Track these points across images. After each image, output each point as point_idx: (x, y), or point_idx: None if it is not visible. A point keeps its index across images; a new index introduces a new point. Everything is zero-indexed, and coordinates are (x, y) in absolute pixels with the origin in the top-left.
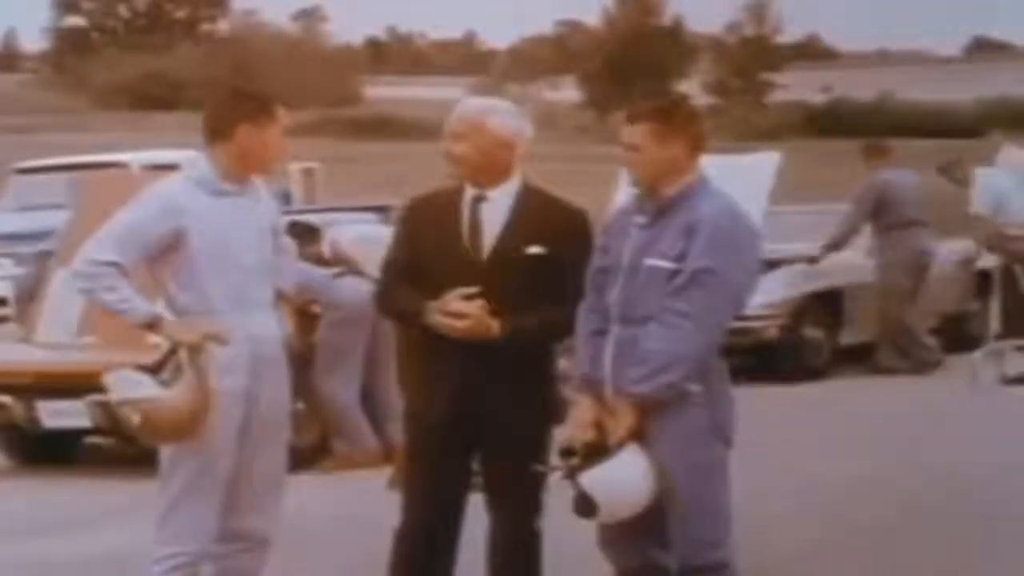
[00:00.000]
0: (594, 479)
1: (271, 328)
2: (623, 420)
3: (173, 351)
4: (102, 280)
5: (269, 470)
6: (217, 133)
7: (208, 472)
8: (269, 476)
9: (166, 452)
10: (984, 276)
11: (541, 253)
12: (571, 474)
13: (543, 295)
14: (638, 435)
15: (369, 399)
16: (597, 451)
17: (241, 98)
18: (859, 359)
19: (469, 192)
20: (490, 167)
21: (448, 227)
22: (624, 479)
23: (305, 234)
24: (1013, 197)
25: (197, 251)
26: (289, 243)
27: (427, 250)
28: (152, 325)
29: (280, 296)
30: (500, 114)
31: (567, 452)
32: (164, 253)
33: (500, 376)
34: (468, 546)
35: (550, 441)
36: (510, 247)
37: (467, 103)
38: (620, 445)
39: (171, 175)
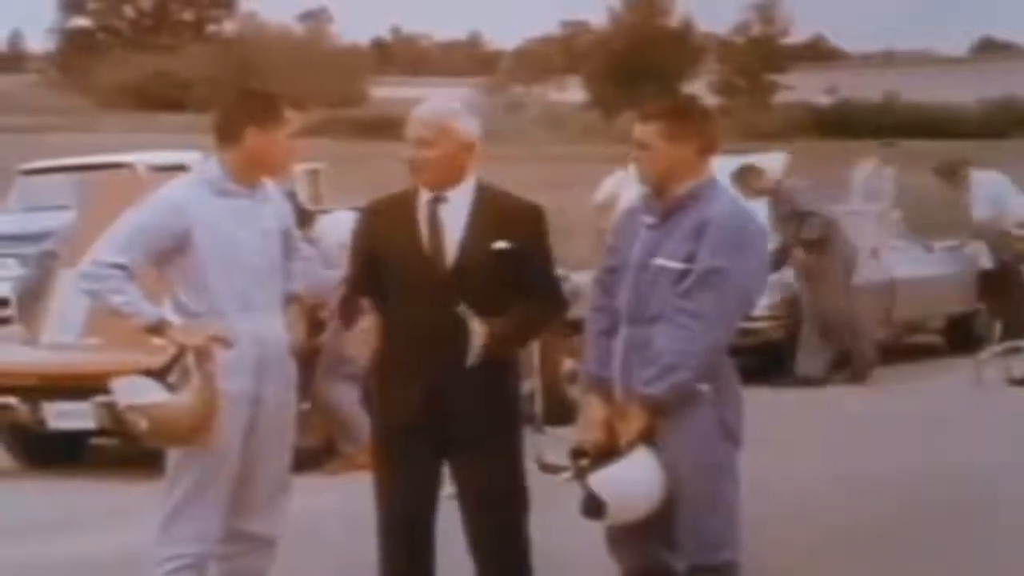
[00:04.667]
0: (603, 480)
1: (276, 330)
2: (633, 421)
3: (180, 355)
4: (108, 282)
5: (274, 472)
6: (225, 136)
7: (214, 474)
8: (274, 478)
9: (173, 454)
10: (986, 277)
11: (507, 248)
12: (580, 475)
13: (510, 292)
14: (648, 436)
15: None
16: (607, 452)
17: (248, 100)
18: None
19: (424, 195)
20: (455, 170)
21: (406, 231)
22: (634, 480)
23: (297, 216)
24: (1009, 200)
25: (203, 252)
26: (307, 248)
27: (387, 256)
28: (157, 328)
29: (293, 300)
30: (463, 116)
31: (577, 453)
32: (171, 255)
33: (468, 376)
34: (454, 546)
35: (521, 439)
36: (475, 246)
37: (428, 107)
38: (630, 446)
39: (177, 176)
